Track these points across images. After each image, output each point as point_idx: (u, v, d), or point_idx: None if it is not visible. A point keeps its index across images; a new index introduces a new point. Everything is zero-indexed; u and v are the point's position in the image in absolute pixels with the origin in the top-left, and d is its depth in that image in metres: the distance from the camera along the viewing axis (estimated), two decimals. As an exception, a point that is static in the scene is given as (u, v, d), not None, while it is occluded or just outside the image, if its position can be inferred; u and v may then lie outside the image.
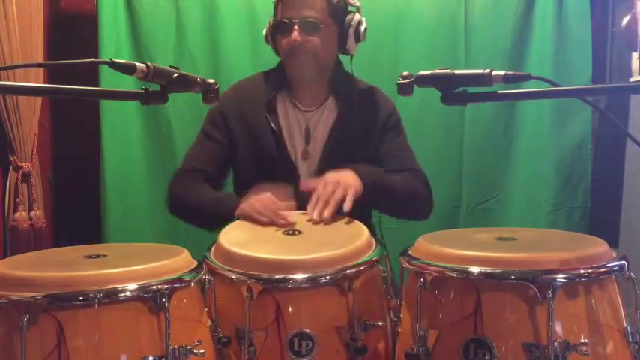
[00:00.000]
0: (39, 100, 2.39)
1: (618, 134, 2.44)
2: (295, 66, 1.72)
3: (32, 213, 2.40)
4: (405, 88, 1.18)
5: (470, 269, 1.12)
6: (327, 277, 1.18)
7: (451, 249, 1.20)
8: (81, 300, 1.01)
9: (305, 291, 1.18)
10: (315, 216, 1.44)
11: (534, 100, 2.52)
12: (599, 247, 1.20)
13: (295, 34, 1.66)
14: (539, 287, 1.07)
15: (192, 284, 1.15)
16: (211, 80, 1.21)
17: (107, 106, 2.48)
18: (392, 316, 1.30)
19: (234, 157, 1.76)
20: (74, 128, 2.62)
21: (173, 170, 1.84)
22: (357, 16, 1.74)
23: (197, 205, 1.67)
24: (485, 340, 1.10)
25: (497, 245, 1.25)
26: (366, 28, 1.75)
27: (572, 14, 2.57)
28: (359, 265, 1.22)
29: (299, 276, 1.16)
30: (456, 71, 1.14)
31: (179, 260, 1.18)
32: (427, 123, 2.57)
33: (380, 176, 1.63)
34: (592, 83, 2.55)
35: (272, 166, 1.71)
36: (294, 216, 1.48)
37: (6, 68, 2.21)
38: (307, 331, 1.16)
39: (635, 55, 2.46)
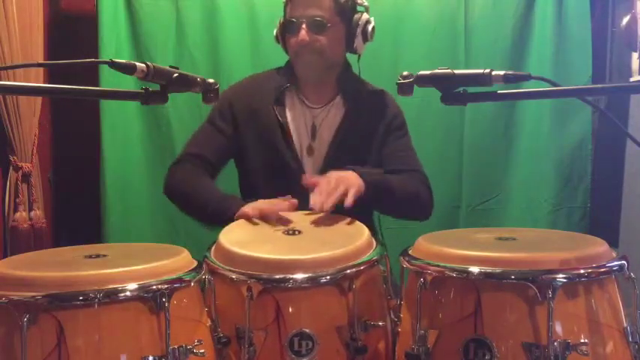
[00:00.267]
0: (39, 100, 2.38)
1: (618, 134, 2.44)
2: (303, 65, 1.74)
3: (32, 213, 2.40)
4: (405, 88, 1.18)
5: (470, 269, 1.12)
6: (328, 277, 1.18)
7: (451, 249, 1.20)
8: (81, 300, 1.01)
9: (305, 291, 1.18)
10: (317, 207, 1.43)
11: (534, 100, 2.52)
12: (599, 247, 1.20)
13: (303, 33, 1.68)
14: (539, 287, 1.07)
15: (192, 284, 1.15)
16: (211, 80, 1.22)
17: (107, 106, 2.48)
18: (392, 316, 1.30)
19: (241, 149, 1.77)
20: (74, 128, 2.62)
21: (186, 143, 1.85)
22: (365, 16, 1.76)
23: (196, 195, 1.67)
24: (485, 340, 1.10)
25: (497, 245, 1.25)
26: (373, 28, 1.76)
27: (572, 14, 2.57)
28: (359, 265, 1.22)
29: (299, 276, 1.16)
30: (456, 71, 1.14)
31: (179, 260, 1.18)
32: (427, 123, 2.57)
33: (381, 177, 1.64)
34: (592, 83, 2.55)
35: (278, 158, 1.73)
36: (294, 216, 1.48)
37: (6, 68, 2.21)
38: (307, 331, 1.16)
39: (635, 55, 2.46)
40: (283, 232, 1.38)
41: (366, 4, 1.78)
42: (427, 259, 1.20)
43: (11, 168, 2.36)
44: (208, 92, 1.21)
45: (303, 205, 1.57)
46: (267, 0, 2.49)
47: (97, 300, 1.01)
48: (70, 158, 2.66)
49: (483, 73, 1.12)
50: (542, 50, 2.58)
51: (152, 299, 1.05)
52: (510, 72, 1.12)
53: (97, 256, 1.19)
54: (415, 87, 1.18)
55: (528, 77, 1.13)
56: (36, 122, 2.38)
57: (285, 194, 1.58)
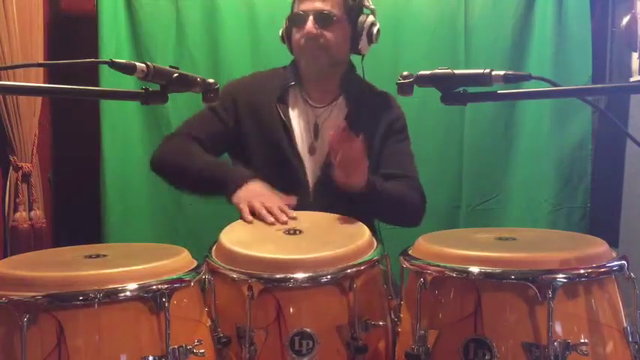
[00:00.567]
0: (39, 100, 2.38)
1: (618, 134, 2.44)
2: (307, 60, 1.74)
3: (32, 213, 2.40)
4: (405, 88, 1.18)
5: (470, 269, 1.12)
6: (328, 277, 1.18)
7: (451, 249, 1.20)
8: (81, 300, 1.01)
9: (306, 290, 1.18)
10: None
11: (534, 100, 2.51)
12: (599, 247, 1.20)
13: (310, 25, 1.69)
14: (539, 287, 1.07)
15: (192, 284, 1.15)
16: (211, 80, 1.22)
17: (107, 106, 2.48)
18: (392, 316, 1.30)
19: (242, 145, 1.77)
20: (74, 128, 2.62)
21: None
22: (371, 18, 1.78)
23: (189, 162, 1.66)
24: (485, 340, 1.10)
25: (497, 245, 1.25)
26: (379, 30, 1.79)
27: (572, 14, 2.56)
28: (360, 264, 1.23)
29: (300, 275, 1.16)
30: (456, 71, 1.14)
31: (179, 260, 1.18)
32: (427, 123, 2.57)
33: (379, 181, 1.63)
34: (592, 83, 2.55)
35: (279, 156, 1.73)
36: (295, 215, 1.48)
37: (6, 68, 2.21)
38: (308, 330, 1.16)
39: (635, 55, 2.46)
40: (284, 232, 1.38)
41: (372, 7, 1.80)
42: (427, 259, 1.21)
43: (11, 168, 2.36)
44: (208, 92, 1.21)
45: (304, 204, 1.57)
46: (267, 0, 2.49)
47: (97, 300, 1.01)
48: (70, 158, 2.66)
49: (483, 73, 1.12)
50: (542, 50, 2.58)
51: (152, 299, 1.05)
52: (510, 72, 1.12)
53: (97, 256, 1.19)
54: (415, 87, 1.18)
55: (528, 77, 1.13)
56: (36, 122, 2.38)
57: (286, 191, 1.58)
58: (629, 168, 2.51)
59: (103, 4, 2.45)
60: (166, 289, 1.07)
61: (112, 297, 1.03)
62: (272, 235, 1.37)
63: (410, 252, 1.28)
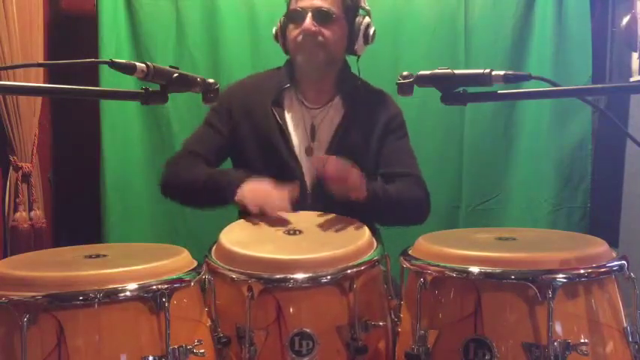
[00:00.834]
0: (39, 100, 2.38)
1: (618, 134, 2.43)
2: (305, 55, 1.72)
3: (32, 213, 2.40)
4: (405, 88, 1.18)
5: (470, 269, 1.12)
6: (328, 277, 1.18)
7: (451, 249, 1.20)
8: (81, 300, 1.01)
9: (306, 291, 1.18)
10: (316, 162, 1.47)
11: (534, 100, 2.51)
12: (599, 247, 1.20)
13: (308, 22, 1.68)
14: (539, 287, 1.07)
15: (192, 284, 1.15)
16: (211, 80, 1.22)
17: (107, 106, 2.48)
18: (392, 316, 1.30)
19: (239, 149, 1.77)
20: (74, 128, 2.62)
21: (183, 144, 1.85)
22: (367, 19, 1.77)
23: (194, 180, 1.67)
24: (485, 340, 1.10)
25: (497, 245, 1.25)
26: (375, 31, 1.77)
27: (572, 14, 2.56)
28: (360, 265, 1.22)
29: (300, 276, 1.16)
30: (456, 71, 1.15)
31: (179, 260, 1.18)
32: (427, 123, 2.57)
33: (381, 187, 1.63)
34: (592, 83, 2.55)
35: (276, 158, 1.72)
36: (295, 216, 1.48)
37: (6, 68, 2.21)
38: (308, 330, 1.16)
39: (635, 55, 2.46)
40: (284, 232, 1.38)
41: (368, 8, 1.79)
42: (427, 259, 1.21)
43: (11, 168, 2.36)
44: (208, 92, 1.22)
45: (302, 206, 1.56)
46: (267, 0, 2.49)
47: (97, 300, 1.01)
48: (70, 158, 2.66)
49: (483, 73, 1.12)
50: (542, 50, 2.58)
51: (152, 299, 1.06)
52: (510, 72, 1.12)
53: (97, 256, 1.19)
54: (415, 87, 1.18)
55: (528, 77, 1.13)
56: (36, 122, 2.38)
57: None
58: (629, 168, 2.51)
59: (103, 4, 2.45)
60: (166, 289, 1.07)
61: (112, 297, 1.03)
62: (272, 235, 1.37)
63: (410, 252, 1.28)
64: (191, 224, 2.54)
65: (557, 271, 1.09)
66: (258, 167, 1.72)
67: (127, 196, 2.54)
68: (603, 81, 2.66)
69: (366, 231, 1.37)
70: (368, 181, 1.55)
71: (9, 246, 2.35)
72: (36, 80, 2.29)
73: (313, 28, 1.68)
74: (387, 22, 2.58)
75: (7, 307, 1.01)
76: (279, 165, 1.72)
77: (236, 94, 1.80)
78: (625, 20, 2.40)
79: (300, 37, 1.70)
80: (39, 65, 2.35)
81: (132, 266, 1.09)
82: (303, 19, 1.69)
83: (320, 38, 1.69)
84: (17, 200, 2.36)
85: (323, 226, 1.43)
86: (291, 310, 1.17)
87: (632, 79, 2.51)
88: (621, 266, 1.16)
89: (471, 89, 1.16)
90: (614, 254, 1.21)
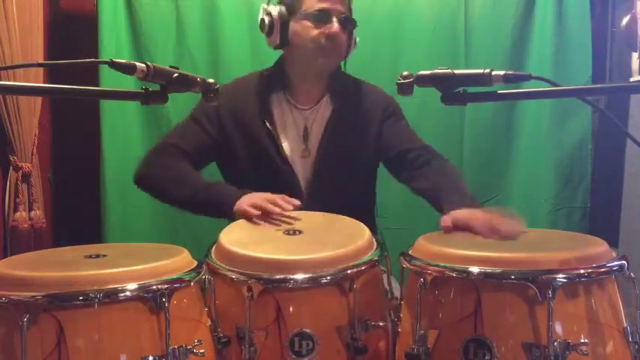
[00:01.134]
0: (39, 100, 2.38)
1: (618, 134, 2.44)
2: (325, 57, 1.69)
3: (32, 213, 2.40)
4: (405, 88, 1.18)
5: (470, 269, 1.12)
6: (328, 278, 1.18)
7: (451, 249, 1.20)
8: (81, 300, 1.01)
9: (306, 291, 1.18)
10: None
11: (534, 100, 2.51)
12: (599, 247, 1.20)
13: (336, 26, 1.66)
14: (539, 287, 1.07)
15: (192, 284, 1.15)
16: (211, 80, 1.22)
17: (107, 106, 2.48)
18: (392, 316, 1.30)
19: (229, 157, 1.75)
20: (74, 128, 2.62)
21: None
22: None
23: (180, 182, 1.64)
24: (485, 340, 1.10)
25: (497, 245, 1.25)
26: (357, 39, 1.78)
27: (572, 14, 2.56)
28: (360, 265, 1.22)
29: (300, 276, 1.16)
30: (456, 71, 1.15)
31: (179, 260, 1.18)
32: (427, 123, 2.56)
33: (465, 189, 1.59)
34: (592, 83, 2.55)
35: (267, 164, 1.71)
36: (295, 216, 1.48)
37: (6, 68, 2.21)
38: (308, 331, 1.16)
39: (635, 55, 2.46)
40: (284, 233, 1.37)
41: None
42: (427, 259, 1.21)
43: (11, 168, 2.36)
44: (208, 92, 1.22)
45: (297, 208, 1.56)
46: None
47: (97, 300, 1.01)
48: (70, 158, 2.66)
49: (483, 73, 1.12)
50: (542, 50, 2.58)
51: (152, 299, 1.05)
52: (510, 72, 1.12)
53: (97, 256, 1.19)
54: (415, 87, 1.18)
55: (528, 77, 1.13)
56: (36, 122, 2.38)
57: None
58: (629, 168, 2.51)
59: (103, 4, 2.45)
60: (166, 289, 1.07)
61: (112, 297, 1.03)
62: (272, 235, 1.37)
63: (410, 252, 1.28)
64: (191, 224, 2.54)
65: (557, 271, 1.09)
66: (249, 173, 1.71)
67: (127, 196, 2.53)
68: (603, 81, 2.66)
69: (366, 231, 1.37)
70: (465, 196, 1.50)
71: (9, 246, 2.35)
72: (36, 80, 2.29)
73: (340, 33, 1.67)
74: (387, 22, 2.58)
75: (7, 307, 1.01)
76: (271, 170, 1.70)
77: (223, 98, 1.67)
78: (625, 20, 2.40)
79: (323, 40, 1.67)
80: (39, 65, 2.35)
81: (132, 266, 1.09)
82: (330, 21, 1.66)
83: (339, 41, 1.68)
84: (17, 200, 2.36)
85: (323, 226, 1.43)
86: (290, 310, 1.17)
87: (632, 79, 2.51)
88: (621, 266, 1.16)
89: (471, 89, 1.16)
90: (614, 254, 1.20)
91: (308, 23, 1.68)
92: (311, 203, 1.61)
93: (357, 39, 1.78)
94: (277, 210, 1.45)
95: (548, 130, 2.59)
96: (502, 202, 2.66)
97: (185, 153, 1.70)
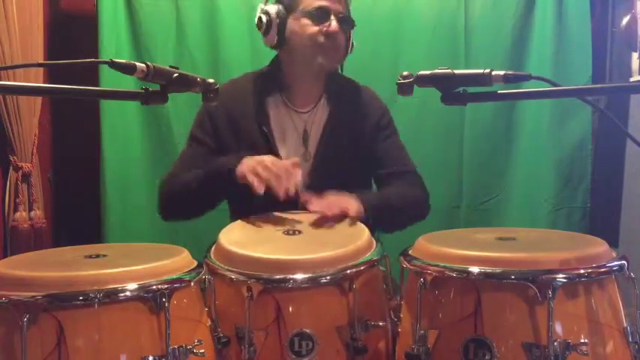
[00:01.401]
0: (39, 100, 2.39)
1: (618, 134, 2.44)
2: (324, 56, 1.67)
3: (32, 213, 2.40)
4: (405, 88, 1.18)
5: (470, 269, 1.12)
6: (328, 278, 1.18)
7: (451, 249, 1.20)
8: (81, 300, 1.01)
9: (305, 291, 1.18)
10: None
11: (534, 100, 2.51)
12: (599, 247, 1.20)
13: (335, 24, 1.65)
14: (539, 287, 1.07)
15: (192, 284, 1.15)
16: (211, 80, 1.22)
17: (107, 106, 2.48)
18: (392, 316, 1.30)
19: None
20: (74, 128, 2.62)
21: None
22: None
23: (188, 183, 1.61)
24: (485, 340, 1.10)
25: (497, 245, 1.25)
26: (354, 43, 1.76)
27: (572, 14, 2.57)
28: (359, 265, 1.22)
29: (299, 276, 1.16)
30: (456, 71, 1.14)
31: (179, 260, 1.18)
32: (427, 123, 2.57)
33: (380, 199, 1.62)
34: (592, 83, 2.55)
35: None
36: (294, 216, 1.48)
37: (6, 68, 2.21)
38: (307, 331, 1.16)
39: (635, 55, 2.46)
40: (283, 232, 1.37)
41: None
42: (427, 259, 1.20)
43: (11, 168, 2.36)
44: (208, 92, 1.22)
45: (297, 208, 1.55)
46: (267, 0, 2.49)
47: (97, 300, 1.01)
48: (70, 158, 2.66)
49: (483, 73, 1.12)
50: (542, 50, 2.58)
51: (152, 299, 1.05)
52: (510, 72, 1.12)
53: (97, 256, 1.19)
54: (415, 87, 1.18)
55: (528, 77, 1.13)
56: (36, 122, 2.38)
57: (275, 200, 1.47)
58: (629, 168, 2.51)
59: (103, 4, 2.45)
60: (166, 289, 1.07)
61: (112, 297, 1.03)
62: (271, 235, 1.37)
63: (410, 252, 1.28)
64: (191, 224, 2.53)
65: (557, 271, 1.09)
66: None
67: (127, 196, 2.54)
68: (603, 81, 2.66)
69: (365, 231, 1.37)
70: (364, 197, 1.52)
71: (9, 246, 2.35)
72: (36, 80, 2.29)
73: (339, 32, 1.66)
74: (387, 22, 2.58)
75: (7, 307, 1.01)
76: None
77: (217, 105, 1.67)
78: (625, 20, 2.40)
79: (322, 38, 1.65)
80: (39, 65, 2.35)
81: (132, 266, 1.09)
82: (328, 19, 1.65)
83: (339, 41, 1.67)
84: (17, 200, 2.36)
85: (323, 227, 1.43)
86: (290, 310, 1.17)
87: (632, 79, 2.51)
88: (621, 266, 1.16)
89: (471, 89, 1.16)
90: (614, 254, 1.20)
91: (306, 21, 1.67)
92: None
93: (355, 43, 1.76)
94: (282, 188, 1.41)
95: (548, 130, 2.59)
96: (502, 202, 2.66)
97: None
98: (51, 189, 2.63)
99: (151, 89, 1.13)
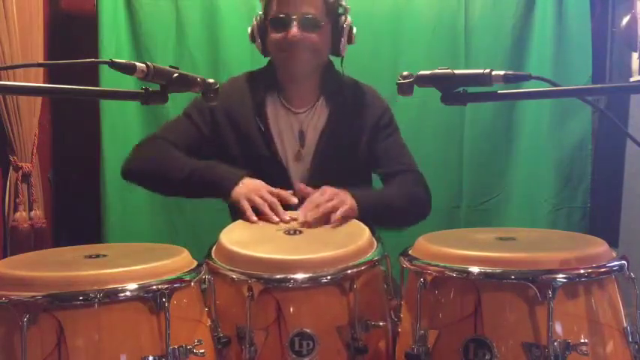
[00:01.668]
0: (39, 100, 2.38)
1: (618, 134, 2.44)
2: (292, 62, 1.68)
3: (32, 213, 2.40)
4: (405, 88, 1.18)
5: (470, 269, 1.12)
6: (328, 277, 1.18)
7: (451, 249, 1.20)
8: (81, 300, 1.01)
9: (306, 291, 1.18)
10: (301, 217, 1.44)
11: (534, 100, 2.52)
12: (599, 247, 1.20)
13: (295, 30, 1.63)
14: (539, 287, 1.07)
15: (192, 284, 1.15)
16: (211, 80, 1.22)
17: (107, 106, 2.48)
18: (392, 316, 1.30)
19: (225, 158, 1.72)
20: (74, 128, 2.62)
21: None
22: (349, 19, 1.72)
23: (170, 168, 1.60)
24: (485, 340, 1.10)
25: (497, 245, 1.25)
26: (355, 32, 1.74)
27: (572, 14, 2.57)
28: (360, 265, 1.22)
29: (300, 276, 1.16)
30: (456, 71, 1.14)
31: (179, 260, 1.18)
32: (427, 123, 2.57)
33: (378, 198, 1.62)
34: (592, 83, 2.55)
35: (261, 166, 1.68)
36: (295, 216, 1.48)
37: (6, 68, 2.21)
38: (308, 331, 1.16)
39: (635, 55, 2.46)
40: (284, 232, 1.38)
41: (347, 6, 1.74)
42: (427, 259, 1.20)
43: (11, 168, 2.36)
44: (208, 92, 1.22)
45: (293, 209, 1.55)
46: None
47: (97, 300, 1.01)
48: (70, 158, 2.66)
49: (483, 73, 1.12)
50: (542, 50, 2.58)
51: (152, 299, 1.05)
52: (510, 72, 1.12)
53: (97, 256, 1.19)
54: (415, 87, 1.18)
55: (528, 77, 1.13)
56: (36, 122, 2.38)
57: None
58: (629, 168, 2.51)
59: (103, 4, 2.46)
60: (166, 289, 1.07)
61: (112, 297, 1.03)
62: (272, 235, 1.37)
63: (410, 252, 1.28)
64: (191, 224, 2.55)
65: (557, 271, 1.09)
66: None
67: (127, 196, 2.54)
68: (603, 81, 2.66)
69: (366, 231, 1.37)
70: (361, 196, 1.52)
71: (9, 246, 2.35)
72: (36, 80, 2.29)
73: (300, 37, 1.63)
74: (387, 22, 2.58)
75: (7, 307, 1.01)
76: (264, 171, 1.67)
77: (218, 101, 1.73)
78: (625, 20, 2.40)
79: (284, 44, 1.65)
80: (39, 65, 2.35)
81: (132, 266, 1.09)
82: (289, 26, 1.64)
83: (307, 42, 1.65)
84: (17, 200, 2.36)
85: (323, 226, 1.43)
86: (291, 310, 1.17)
87: (632, 79, 2.51)
88: (621, 266, 1.16)
89: (471, 89, 1.16)
90: (614, 254, 1.20)
91: (271, 30, 1.68)
92: None
93: (354, 29, 1.73)
94: (275, 219, 1.45)
95: (549, 130, 2.60)
96: (502, 202, 2.66)
97: (174, 145, 1.67)
98: (51, 189, 2.63)
99: (151, 89, 1.13)
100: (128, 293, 1.04)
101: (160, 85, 1.13)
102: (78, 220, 2.62)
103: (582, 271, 1.11)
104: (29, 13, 2.31)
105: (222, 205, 1.73)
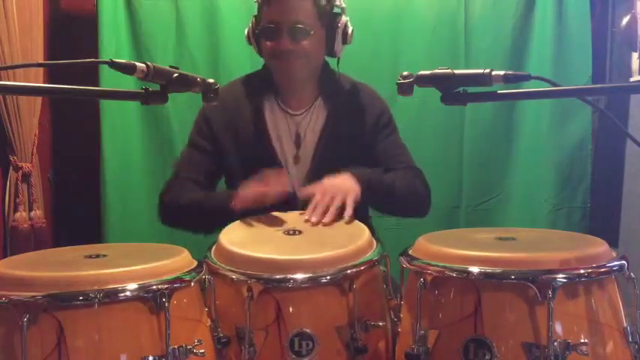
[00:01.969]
0: (39, 100, 2.39)
1: (618, 134, 2.44)
2: (285, 70, 1.69)
3: (32, 213, 2.40)
4: (405, 88, 1.18)
5: (470, 269, 1.12)
6: (328, 277, 1.18)
7: (451, 249, 1.20)
8: (81, 300, 1.01)
9: (305, 291, 1.18)
10: (314, 220, 1.43)
11: (534, 100, 2.52)
12: (599, 247, 1.20)
13: (285, 41, 1.63)
14: (539, 287, 1.07)
15: (192, 284, 1.15)
16: (211, 80, 1.22)
17: (107, 106, 2.48)
18: (392, 316, 1.30)
19: (224, 164, 1.74)
20: (74, 128, 2.62)
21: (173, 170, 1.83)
22: (344, 19, 1.71)
23: (190, 204, 1.63)
24: (485, 340, 1.10)
25: (497, 245, 1.25)
26: (352, 31, 1.72)
27: (572, 14, 2.57)
28: (359, 265, 1.22)
29: (299, 276, 1.16)
30: (456, 71, 1.14)
31: (179, 260, 1.18)
32: (427, 123, 2.57)
33: (377, 176, 1.62)
34: (592, 83, 2.55)
35: (260, 169, 1.65)
36: (294, 216, 1.48)
37: (6, 68, 2.21)
38: (308, 331, 1.16)
39: (635, 55, 2.46)
40: (284, 232, 1.38)
41: (343, 5, 1.72)
42: (427, 259, 1.20)
43: (11, 168, 2.36)
44: (208, 92, 1.22)
45: (295, 208, 1.55)
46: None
47: (97, 300, 1.01)
48: (70, 158, 2.66)
49: (483, 73, 1.12)
50: (542, 50, 2.58)
51: (152, 299, 1.05)
52: (510, 72, 1.12)
53: (97, 256, 1.19)
54: (415, 87, 1.18)
55: (528, 77, 1.13)
56: (36, 122, 2.38)
57: (276, 205, 1.52)
58: (629, 168, 2.51)
59: (103, 4, 2.46)
60: (166, 289, 1.07)
61: (112, 297, 1.03)
62: (271, 235, 1.37)
63: (410, 252, 1.28)
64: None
65: (557, 271, 1.09)
66: (242, 178, 1.70)
67: (127, 196, 2.54)
68: (603, 81, 2.66)
69: (365, 231, 1.37)
70: (359, 173, 1.53)
71: (9, 246, 2.35)
72: (36, 80, 2.29)
73: (290, 47, 1.63)
74: (386, 22, 2.58)
75: (7, 307, 1.01)
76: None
77: (214, 109, 1.71)
78: (625, 20, 2.40)
79: (277, 53, 1.65)
80: (39, 65, 2.35)
81: (132, 266, 1.09)
82: (279, 36, 1.63)
83: (299, 51, 1.64)
84: (17, 200, 2.36)
85: (323, 227, 1.43)
86: (290, 310, 1.17)
87: (632, 79, 2.51)
88: (621, 266, 1.16)
89: (471, 89, 1.16)
90: (614, 254, 1.20)
91: (263, 38, 1.68)
92: (305, 208, 1.57)
93: (351, 29, 1.71)
94: (277, 187, 1.46)
95: (548, 130, 2.60)
96: (502, 202, 2.66)
97: (193, 180, 1.70)
98: (51, 189, 2.63)
99: (151, 89, 1.13)
100: (128, 293, 1.04)
101: (159, 85, 1.13)
102: (78, 220, 2.62)
103: (582, 271, 1.11)
104: (29, 13, 2.31)
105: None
